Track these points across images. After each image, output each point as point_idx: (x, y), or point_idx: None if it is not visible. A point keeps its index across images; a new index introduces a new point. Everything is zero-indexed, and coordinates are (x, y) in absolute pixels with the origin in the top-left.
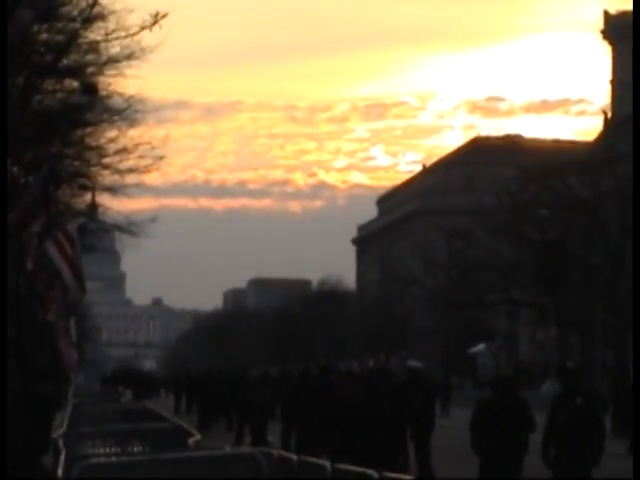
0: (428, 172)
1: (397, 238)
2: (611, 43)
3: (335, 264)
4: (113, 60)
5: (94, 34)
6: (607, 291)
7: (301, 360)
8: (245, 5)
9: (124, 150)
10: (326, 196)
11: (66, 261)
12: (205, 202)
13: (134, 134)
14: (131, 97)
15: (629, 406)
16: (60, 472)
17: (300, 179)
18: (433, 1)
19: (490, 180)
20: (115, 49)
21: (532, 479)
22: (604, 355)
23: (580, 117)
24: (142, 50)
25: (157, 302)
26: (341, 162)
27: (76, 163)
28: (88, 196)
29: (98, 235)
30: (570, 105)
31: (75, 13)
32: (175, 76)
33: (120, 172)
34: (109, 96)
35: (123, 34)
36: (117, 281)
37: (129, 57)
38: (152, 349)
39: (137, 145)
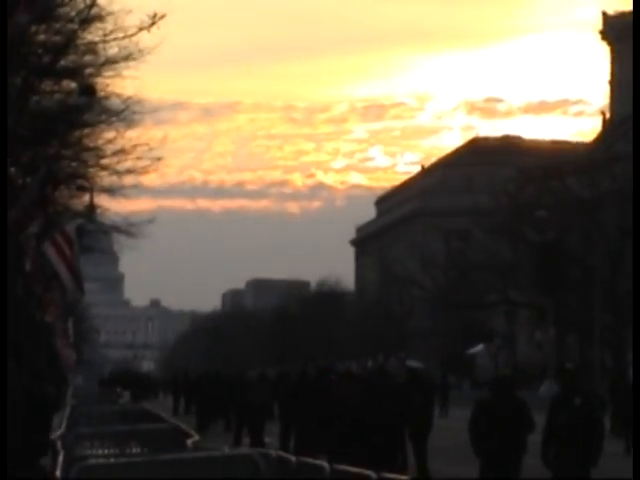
0: (427, 173)
1: (396, 239)
2: (609, 44)
3: (333, 265)
4: (111, 61)
5: (92, 35)
6: (605, 292)
7: (299, 361)
8: (243, 6)
9: (122, 151)
10: (324, 197)
11: (64, 262)
12: (203, 203)
13: (132, 135)
14: (129, 98)
15: (628, 406)
16: (58, 473)
17: (298, 180)
18: (431, 2)
19: (488, 181)
20: (113, 50)
21: (531, 479)
22: (602, 355)
23: (578, 118)
24: (140, 51)
25: (155, 303)
26: (339, 163)
27: (74, 164)
28: (86, 197)
29: (96, 236)
30: (568, 106)
31: (73, 14)
32: (173, 77)
33: (118, 173)
34: (107, 97)
35: (121, 35)
36: (115, 282)
37: (127, 58)
38: (150, 350)
39: (135, 146)
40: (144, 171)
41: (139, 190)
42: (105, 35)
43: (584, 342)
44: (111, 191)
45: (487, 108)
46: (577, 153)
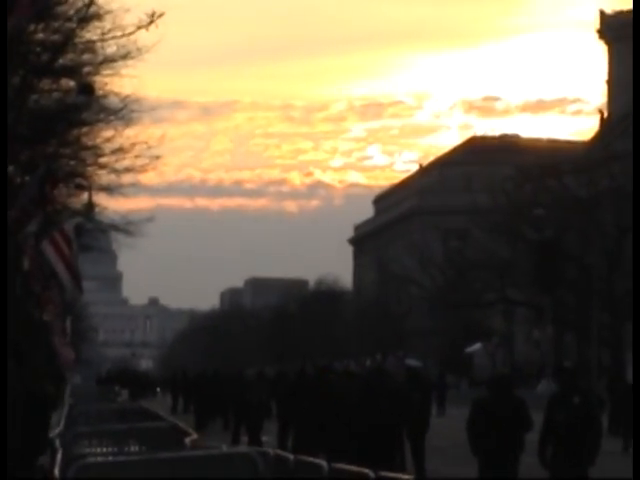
0: (425, 172)
1: (394, 238)
2: (607, 43)
3: (332, 264)
4: (109, 60)
5: (90, 34)
6: (603, 290)
7: (298, 360)
8: (241, 5)
9: (120, 150)
10: (322, 196)
11: (63, 261)
12: (201, 202)
13: (130, 134)
14: (127, 97)
15: (626, 405)
16: (57, 472)
17: (296, 179)
18: (429, 1)
19: (486, 180)
20: (111, 49)
21: (529, 479)
22: (600, 354)
23: (576, 117)
24: (138, 50)
25: (153, 302)
26: (337, 162)
27: (72, 163)
28: (85, 196)
29: (94, 235)
30: (566, 105)
31: (71, 12)
32: (171, 76)
33: (116, 172)
34: (105, 96)
35: (119, 34)
36: (113, 281)
37: (125, 57)
38: (148, 349)
39: (133, 145)
40: (142, 170)
41: (137, 189)
42: (103, 34)
43: (582, 341)
44: (109, 190)
45: (485, 107)
46: (575, 152)
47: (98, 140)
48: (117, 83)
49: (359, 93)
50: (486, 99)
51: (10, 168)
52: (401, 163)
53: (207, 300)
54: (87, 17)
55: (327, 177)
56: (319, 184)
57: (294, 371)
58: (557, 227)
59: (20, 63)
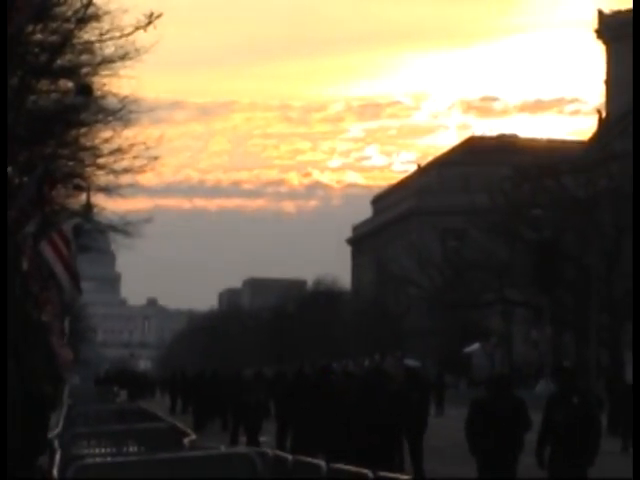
0: (423, 172)
1: (392, 238)
2: (605, 42)
3: (330, 264)
4: (107, 60)
5: (88, 34)
6: (602, 291)
7: (297, 360)
8: (239, 6)
9: (119, 150)
10: (321, 196)
11: (61, 261)
12: (199, 202)
13: (128, 134)
14: (125, 97)
15: (625, 405)
16: (55, 472)
17: (295, 179)
18: (428, 1)
19: (485, 180)
20: (109, 49)
21: (528, 479)
22: (598, 355)
23: (574, 117)
24: (136, 50)
25: (152, 302)
26: (336, 162)
27: (71, 163)
28: (83, 196)
29: (93, 235)
30: (564, 105)
31: (69, 13)
32: (169, 76)
33: (115, 172)
34: (103, 96)
35: (117, 34)
36: (112, 281)
37: (123, 57)
38: (147, 349)
39: (132, 145)
40: (141, 170)
41: (136, 189)
42: (102, 34)
43: (580, 341)
44: (108, 190)
45: (483, 107)
46: (573, 152)
47: (96, 141)
48: (115, 84)
49: (357, 93)
50: (484, 99)
51: (8, 169)
52: (399, 163)
53: (205, 301)
54: (85, 18)
55: (325, 177)
56: (317, 184)
57: (292, 371)
58: (555, 227)
59: (18, 64)
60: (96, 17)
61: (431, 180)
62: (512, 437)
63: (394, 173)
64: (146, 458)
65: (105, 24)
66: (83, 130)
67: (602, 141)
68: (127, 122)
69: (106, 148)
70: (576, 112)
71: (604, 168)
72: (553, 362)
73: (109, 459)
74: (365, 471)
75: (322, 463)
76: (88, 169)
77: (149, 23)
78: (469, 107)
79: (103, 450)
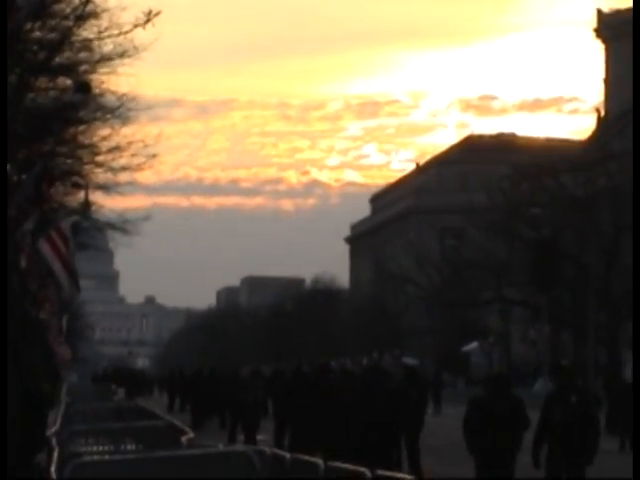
0: (421, 170)
1: (390, 236)
2: (604, 41)
3: (328, 262)
4: (106, 58)
5: (87, 32)
6: (600, 289)
7: (295, 359)
8: (238, 4)
9: (117, 148)
10: (319, 194)
11: (59, 259)
12: (198, 200)
13: (127, 132)
14: (124, 95)
15: (623, 404)
16: (53, 470)
17: (293, 177)
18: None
19: (483, 178)
20: (108, 47)
21: (527, 479)
22: (597, 353)
23: (573, 115)
24: (135, 48)
25: (150, 300)
26: (334, 160)
27: (69, 161)
28: (81, 194)
29: (91, 233)
30: (563, 103)
31: (68, 11)
32: (168, 74)
33: (113, 170)
34: (102, 94)
35: (116, 32)
36: (110, 279)
37: (122, 55)
38: (145, 347)
39: (130, 143)
40: (139, 168)
41: (134, 187)
42: (100, 32)
43: (578, 340)
44: (106, 188)
45: (481, 106)
46: (572, 151)
47: (95, 138)
48: (114, 81)
49: (356, 92)
50: (483, 98)
51: (7, 167)
52: (397, 162)
53: (203, 299)
54: (84, 15)
55: (324, 176)
56: (315, 183)
57: (290, 370)
58: (554, 226)
59: (17, 61)
60: (95, 15)
61: (429, 179)
62: (510, 436)
63: (392, 172)
64: (144, 456)
65: (104, 22)
66: (81, 128)
67: (601, 140)
68: (125, 120)
69: (104, 146)
70: (575, 111)
71: (603, 167)
72: (551, 361)
73: (107, 457)
74: (363, 469)
75: (320, 461)
76: (86, 167)
77: (148, 21)
78: (468, 106)
79: (101, 448)
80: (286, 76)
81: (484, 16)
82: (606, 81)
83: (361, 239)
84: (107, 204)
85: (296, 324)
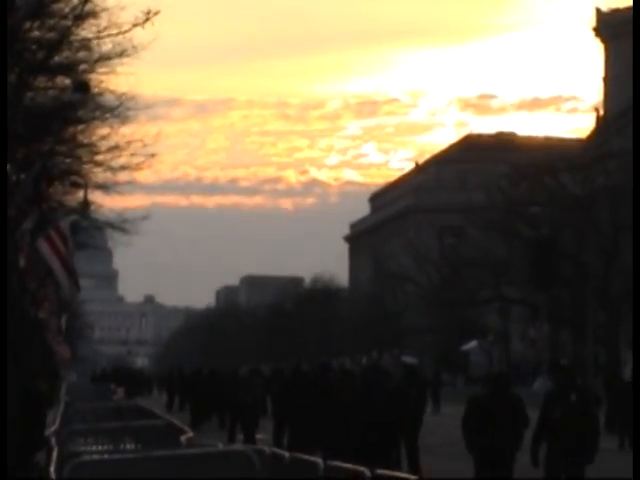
0: (420, 169)
1: (389, 235)
2: (603, 40)
3: (327, 262)
4: (105, 57)
5: (86, 31)
6: (599, 288)
7: (294, 358)
8: (237, 3)
9: (116, 147)
10: (318, 193)
11: (58, 258)
12: (197, 199)
13: (126, 131)
14: (123, 94)
15: (623, 403)
16: (52, 469)
17: (292, 176)
18: None
19: (482, 177)
20: (107, 46)
21: (526, 478)
22: (596, 352)
23: (572, 114)
24: (134, 47)
25: (149, 299)
26: (333, 159)
27: (68, 160)
28: (80, 193)
29: (90, 232)
30: (562, 102)
31: (67, 10)
32: (167, 74)
33: (112, 169)
34: (101, 93)
35: (115, 31)
36: (109, 279)
37: (121, 54)
38: (144, 347)
39: (129, 142)
40: (138, 167)
41: (133, 186)
42: (99, 31)
43: (577, 339)
44: (105, 187)
45: (480, 105)
46: (571, 150)
47: (94, 138)
48: (113, 81)
49: (354, 91)
50: (482, 97)
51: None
52: (397, 161)
53: (203, 298)
54: (83, 15)
55: (323, 175)
56: (315, 182)
57: (290, 369)
58: (553, 225)
59: (16, 61)
60: (93, 14)
61: (428, 178)
62: (509, 434)
63: (391, 171)
64: (143, 455)
65: (102, 21)
66: (80, 127)
67: (600, 139)
68: (124, 119)
69: (103, 145)
70: (574, 110)
71: (602, 166)
72: (550, 360)
73: (106, 456)
74: (362, 468)
75: (319, 460)
76: (85, 166)
77: (147, 20)
78: (467, 105)
79: (100, 447)
80: (285, 75)
81: (483, 15)
82: (605, 80)
83: (360, 238)
84: (106, 203)
85: (295, 323)
